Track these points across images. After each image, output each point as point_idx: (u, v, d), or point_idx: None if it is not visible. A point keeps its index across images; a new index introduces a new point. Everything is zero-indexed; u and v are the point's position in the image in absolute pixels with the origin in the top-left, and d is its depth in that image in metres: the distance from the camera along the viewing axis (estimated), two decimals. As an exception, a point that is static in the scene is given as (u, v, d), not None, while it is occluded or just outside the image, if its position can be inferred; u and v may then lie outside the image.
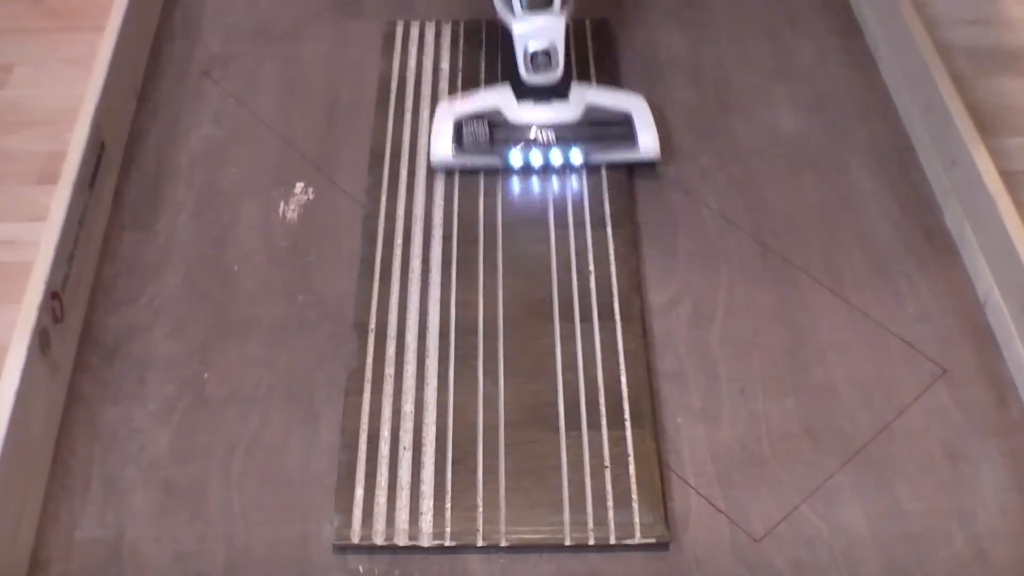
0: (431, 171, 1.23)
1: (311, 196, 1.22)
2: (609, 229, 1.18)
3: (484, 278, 1.13)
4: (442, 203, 1.20)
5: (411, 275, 1.14)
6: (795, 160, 1.27)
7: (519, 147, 1.19)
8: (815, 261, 1.17)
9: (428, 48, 1.38)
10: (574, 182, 1.22)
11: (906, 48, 1.31)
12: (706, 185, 1.24)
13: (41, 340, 0.99)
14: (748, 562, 0.94)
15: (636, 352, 1.07)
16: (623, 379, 1.05)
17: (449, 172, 1.22)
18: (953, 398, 1.05)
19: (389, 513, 0.95)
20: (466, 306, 1.11)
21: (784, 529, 0.96)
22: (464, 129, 1.20)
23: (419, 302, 1.11)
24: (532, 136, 1.20)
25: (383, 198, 1.21)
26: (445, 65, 1.36)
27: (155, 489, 0.98)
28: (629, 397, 1.03)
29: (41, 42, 1.27)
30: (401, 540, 0.94)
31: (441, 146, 1.20)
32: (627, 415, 1.02)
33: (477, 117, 1.20)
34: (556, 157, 1.20)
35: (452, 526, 0.95)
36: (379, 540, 0.94)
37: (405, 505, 0.96)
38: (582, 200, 1.20)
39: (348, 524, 0.95)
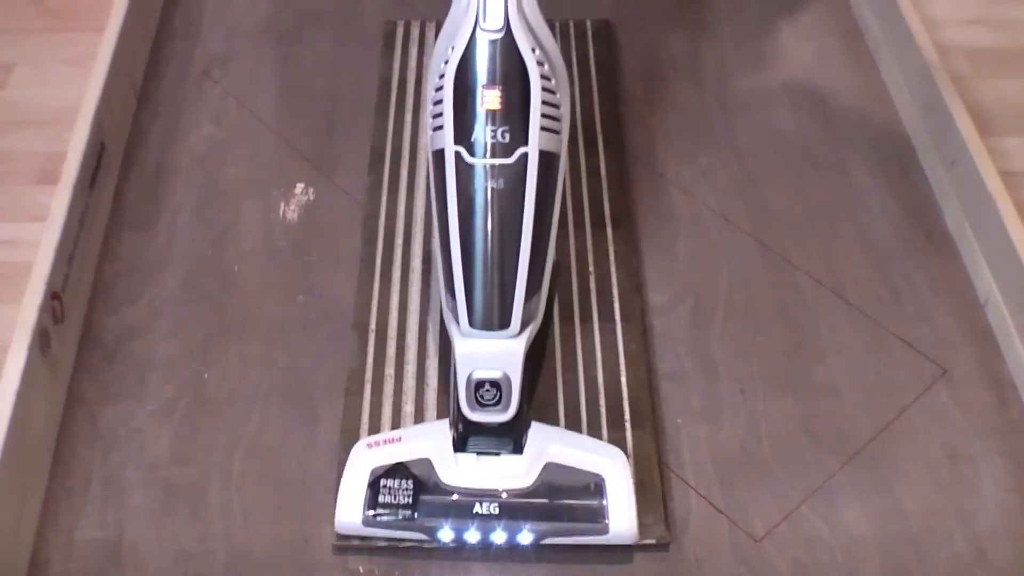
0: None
1: (311, 196, 1.22)
2: (609, 229, 1.18)
3: (484, 278, 1.13)
4: (442, 203, 1.20)
5: (411, 275, 1.14)
6: (795, 160, 1.27)
7: (450, 523, 0.92)
8: (815, 261, 1.16)
9: (428, 48, 1.38)
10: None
11: (906, 48, 1.31)
12: (706, 185, 1.24)
13: (41, 340, 0.99)
14: (748, 562, 0.94)
15: (636, 352, 1.07)
16: (623, 379, 1.05)
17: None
18: (953, 398, 1.05)
19: (389, 513, 0.95)
20: (466, 306, 1.10)
21: (784, 529, 0.96)
22: (381, 489, 0.93)
23: (419, 302, 1.11)
24: (470, 507, 0.92)
25: (383, 198, 1.21)
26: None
27: (155, 489, 0.98)
28: (629, 397, 1.03)
29: (41, 42, 1.28)
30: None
31: (349, 510, 0.92)
32: (627, 415, 1.02)
33: (399, 473, 0.93)
34: (499, 536, 0.92)
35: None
36: (379, 540, 0.94)
37: (405, 505, 0.96)
38: (582, 200, 1.20)
39: (348, 524, 0.94)
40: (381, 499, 0.92)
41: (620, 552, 0.94)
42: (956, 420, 1.03)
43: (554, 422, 1.01)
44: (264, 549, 0.94)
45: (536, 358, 0.99)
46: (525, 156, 0.91)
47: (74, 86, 1.21)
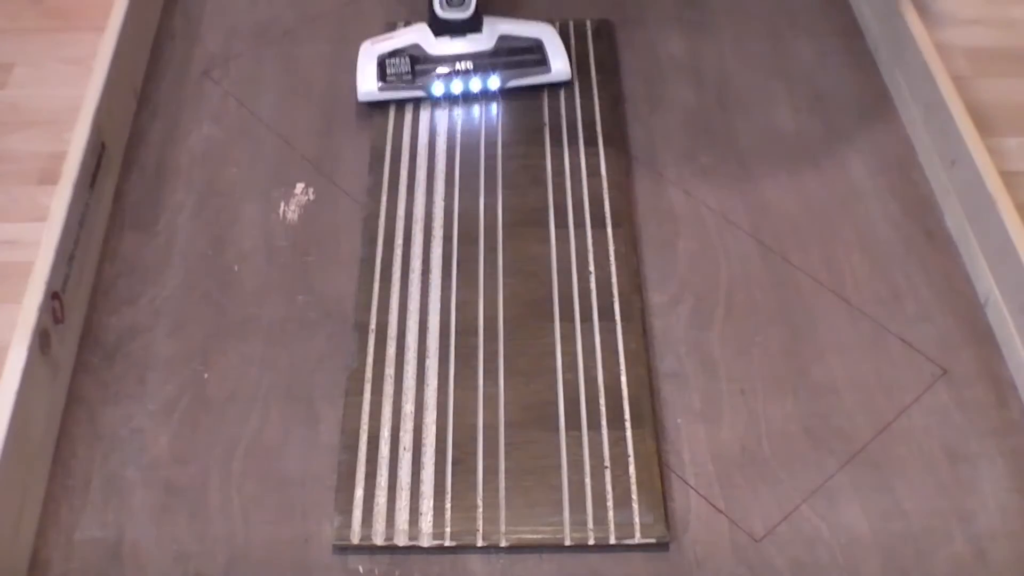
0: (432, 171, 1.23)
1: (311, 196, 1.22)
2: (609, 229, 1.18)
3: (484, 278, 1.13)
4: (442, 203, 1.20)
5: (411, 275, 1.14)
6: (795, 160, 1.27)
7: (440, 78, 1.28)
8: (815, 261, 1.17)
9: (428, 48, 1.39)
10: (572, 185, 1.22)
11: (906, 48, 1.31)
12: (706, 185, 1.24)
13: (41, 340, 0.99)
14: (748, 562, 0.94)
15: (636, 352, 1.07)
16: (623, 379, 1.05)
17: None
18: (953, 398, 1.05)
19: (389, 513, 0.96)
20: (466, 306, 1.11)
21: (784, 529, 0.96)
22: (387, 65, 1.28)
23: (419, 302, 1.11)
24: (452, 67, 1.29)
25: (383, 198, 1.21)
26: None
27: (155, 489, 0.98)
28: (629, 397, 1.03)
29: (41, 42, 1.28)
30: (401, 540, 0.94)
31: (367, 82, 1.28)
32: (627, 415, 1.02)
33: (398, 53, 1.29)
34: (475, 84, 1.29)
35: (452, 526, 0.95)
36: (379, 540, 0.94)
37: (405, 505, 0.96)
38: (582, 200, 1.20)
39: (348, 524, 0.95)
40: (388, 71, 1.28)
41: (620, 552, 0.94)
42: (956, 420, 1.03)
43: (554, 422, 1.01)
44: (264, 549, 0.94)
45: None
46: None
47: (74, 86, 1.21)
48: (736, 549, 0.95)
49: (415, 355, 1.07)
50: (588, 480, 0.97)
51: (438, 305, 1.11)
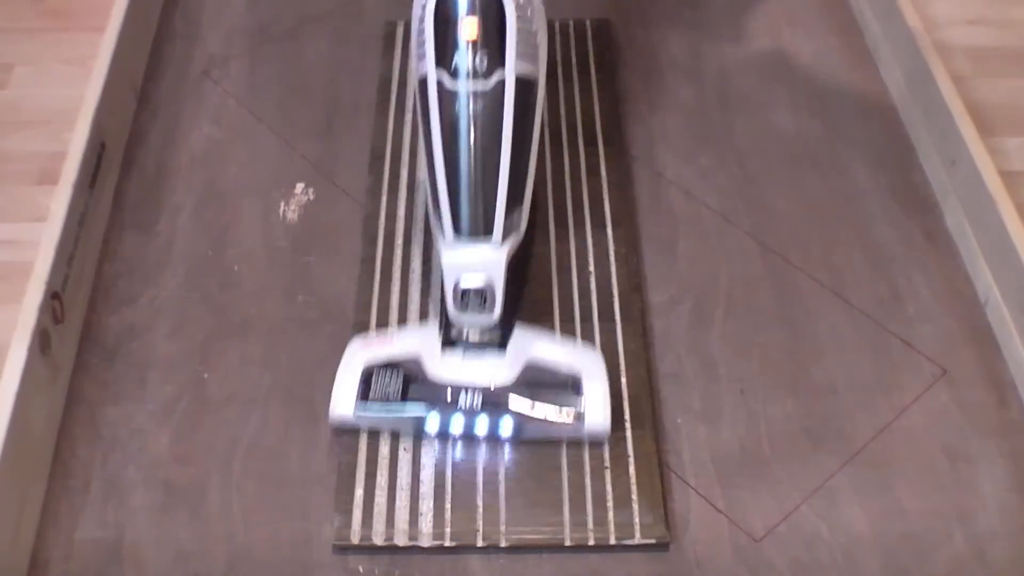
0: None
1: (311, 196, 1.22)
2: (609, 229, 1.18)
3: (484, 278, 1.13)
4: (442, 203, 1.20)
5: (411, 275, 1.14)
6: (795, 160, 1.27)
7: (437, 410, 0.98)
8: (815, 261, 1.17)
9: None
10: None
11: (906, 48, 1.31)
12: (706, 185, 1.24)
13: (41, 340, 0.99)
14: (748, 562, 0.94)
15: (636, 352, 1.07)
16: (623, 379, 1.05)
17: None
18: (953, 398, 1.05)
19: (389, 513, 0.95)
20: (466, 306, 1.10)
21: (784, 529, 0.96)
22: (373, 381, 1.00)
23: (419, 302, 1.11)
24: (455, 399, 0.99)
25: (383, 198, 1.21)
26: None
27: (155, 489, 0.98)
28: (629, 397, 1.03)
29: (41, 42, 1.28)
30: (401, 540, 0.94)
31: (341, 400, 0.99)
32: (627, 415, 1.02)
33: (391, 367, 1.00)
34: (481, 427, 0.98)
35: (452, 526, 0.95)
36: (379, 540, 0.94)
37: (405, 505, 0.96)
38: (582, 200, 1.20)
39: (348, 524, 0.95)
40: (372, 392, 0.99)
41: (620, 552, 0.94)
42: (956, 420, 1.03)
43: (554, 422, 1.01)
44: (264, 549, 0.94)
45: (521, 267, 1.07)
46: (503, 80, 0.96)
47: (74, 86, 1.21)
48: (736, 549, 0.95)
49: (415, 355, 1.06)
50: (588, 480, 0.97)
51: (438, 306, 1.11)
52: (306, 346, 1.09)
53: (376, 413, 0.98)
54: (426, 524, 0.95)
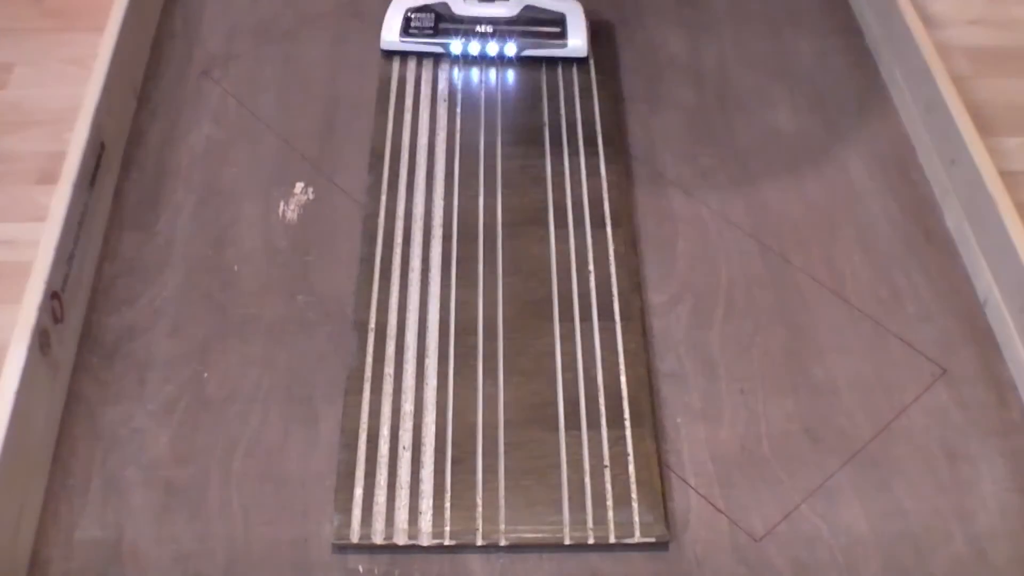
0: (431, 171, 1.23)
1: (311, 196, 1.22)
2: (609, 229, 1.18)
3: (484, 278, 1.13)
4: (442, 203, 1.20)
5: (411, 275, 1.14)
6: (795, 160, 1.27)
7: (460, 38, 1.34)
8: (815, 261, 1.17)
9: (428, 48, 1.39)
10: (571, 184, 1.22)
11: (906, 48, 1.31)
12: (706, 185, 1.24)
13: (41, 340, 0.99)
14: (748, 562, 0.94)
15: (636, 352, 1.07)
16: (623, 379, 1.05)
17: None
18: (953, 398, 1.05)
19: (388, 512, 0.96)
20: (466, 306, 1.11)
21: (784, 529, 0.96)
22: (412, 19, 1.35)
23: (419, 301, 1.11)
24: (473, 29, 1.35)
25: (383, 198, 1.21)
26: (445, 64, 1.36)
27: (155, 489, 0.98)
28: (629, 397, 1.03)
29: (41, 42, 1.28)
30: (400, 539, 0.94)
31: (391, 31, 1.35)
32: (627, 415, 1.02)
33: (426, 9, 1.36)
34: (492, 48, 1.35)
35: (451, 525, 0.95)
36: (379, 539, 0.94)
37: (404, 504, 0.96)
38: (582, 200, 1.20)
39: (348, 524, 0.95)
40: (412, 25, 1.36)
41: (620, 552, 0.94)
42: (956, 420, 1.03)
43: (554, 422, 1.01)
44: (264, 549, 0.94)
45: None
46: None
47: (74, 86, 1.21)
48: (736, 549, 0.95)
49: (414, 354, 1.07)
50: (588, 479, 0.97)
51: (437, 304, 1.11)
52: (306, 346, 1.09)
53: (415, 38, 1.35)
54: (426, 523, 0.95)
